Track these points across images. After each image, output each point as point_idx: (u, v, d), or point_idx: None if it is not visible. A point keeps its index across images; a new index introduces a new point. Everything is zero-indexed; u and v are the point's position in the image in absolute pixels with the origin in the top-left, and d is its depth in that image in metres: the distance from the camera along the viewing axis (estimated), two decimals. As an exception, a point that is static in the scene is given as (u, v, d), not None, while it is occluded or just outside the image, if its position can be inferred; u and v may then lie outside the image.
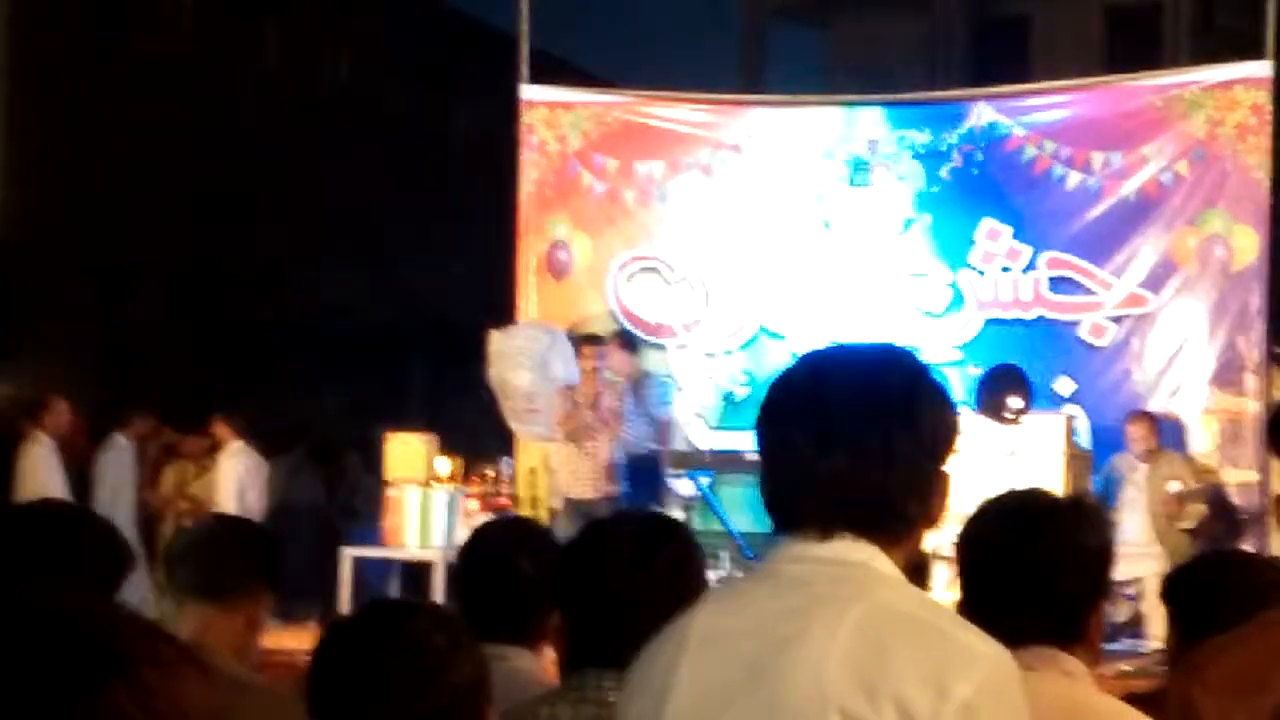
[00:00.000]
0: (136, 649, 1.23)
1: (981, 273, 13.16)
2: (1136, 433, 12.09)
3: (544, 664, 3.53)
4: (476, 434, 13.48)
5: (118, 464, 13.82)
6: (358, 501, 15.32)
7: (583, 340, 12.77)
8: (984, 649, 2.19)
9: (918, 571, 2.95)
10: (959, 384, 12.19)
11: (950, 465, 2.36)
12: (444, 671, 2.53)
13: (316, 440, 15.04)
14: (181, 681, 1.24)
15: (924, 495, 2.32)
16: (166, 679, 1.23)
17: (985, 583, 3.00)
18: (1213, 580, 3.47)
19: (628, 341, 13.12)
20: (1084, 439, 12.35)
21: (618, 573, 3.08)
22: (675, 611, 2.48)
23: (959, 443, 2.38)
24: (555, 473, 12.88)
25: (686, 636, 2.34)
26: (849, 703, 2.12)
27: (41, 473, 12.73)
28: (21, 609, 1.25)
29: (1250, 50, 12.87)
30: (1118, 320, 12.80)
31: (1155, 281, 12.73)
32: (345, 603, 12.18)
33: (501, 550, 3.74)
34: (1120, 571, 11.86)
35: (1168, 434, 12.32)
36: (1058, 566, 2.95)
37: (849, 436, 2.27)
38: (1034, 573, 2.95)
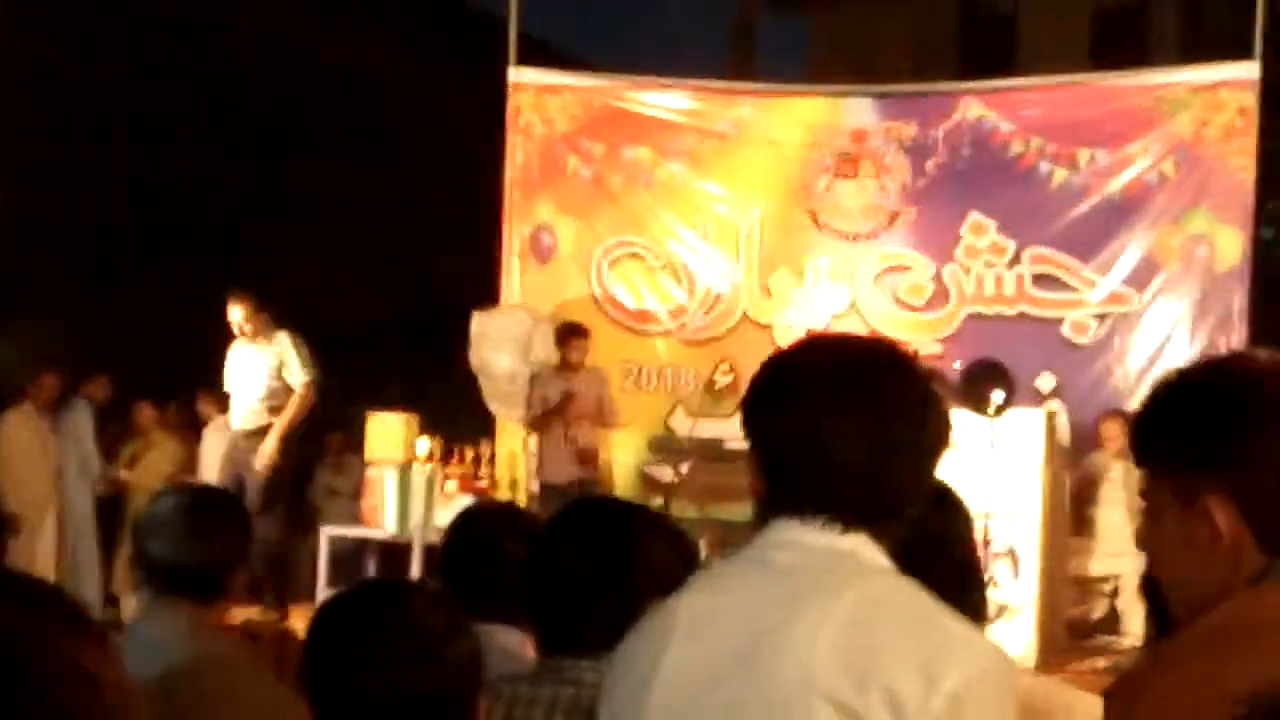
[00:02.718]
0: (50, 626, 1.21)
1: (966, 267, 13.18)
2: (1110, 431, 12.12)
3: (528, 641, 3.55)
4: (458, 415, 13.47)
5: (76, 425, 13.71)
6: (340, 482, 15.35)
7: (566, 330, 12.77)
8: (972, 639, 2.21)
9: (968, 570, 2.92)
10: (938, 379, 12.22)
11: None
12: (441, 652, 2.52)
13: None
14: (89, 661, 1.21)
15: (922, 490, 2.34)
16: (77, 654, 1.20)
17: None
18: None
19: None
20: (1065, 435, 12.38)
21: (576, 559, 3.09)
22: (639, 596, 2.49)
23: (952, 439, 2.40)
24: (534, 455, 12.91)
25: (673, 621, 2.35)
26: (837, 691, 2.13)
27: (23, 442, 12.73)
28: None
29: (1238, 52, 12.89)
30: (1100, 318, 12.83)
31: (1138, 280, 12.76)
32: (322, 582, 12.19)
33: (491, 532, 3.76)
34: (1098, 568, 11.92)
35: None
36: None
37: (872, 431, 2.28)
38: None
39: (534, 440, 12.96)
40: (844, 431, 2.28)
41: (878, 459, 2.28)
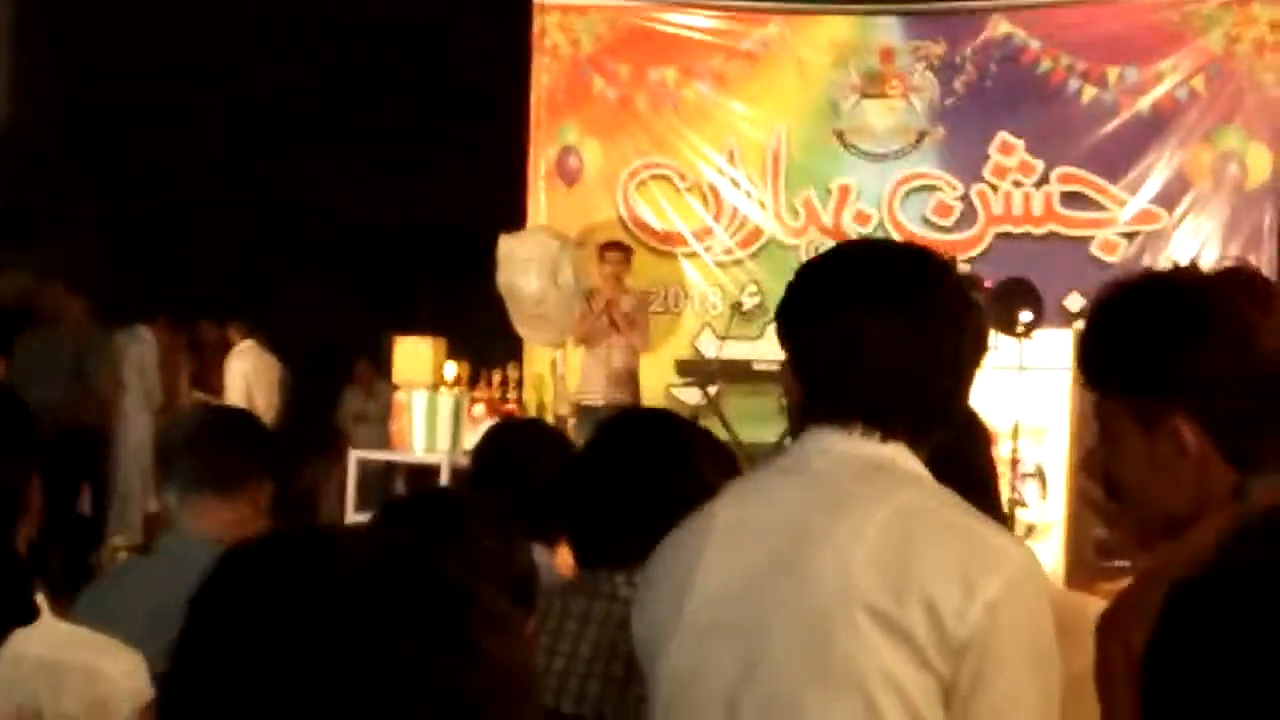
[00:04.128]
0: (488, 620, 1.22)
1: (994, 186, 13.12)
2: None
3: (556, 558, 3.55)
4: (485, 339, 13.47)
5: (141, 356, 13.72)
6: (369, 406, 15.40)
7: (605, 246, 12.80)
8: (1010, 548, 2.21)
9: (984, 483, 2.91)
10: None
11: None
12: (495, 568, 2.49)
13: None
14: (509, 647, 1.22)
15: (961, 399, 2.33)
16: (503, 644, 1.21)
17: None
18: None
19: None
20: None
21: (619, 471, 3.07)
22: (681, 508, 2.48)
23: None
24: (563, 378, 12.93)
25: (711, 526, 2.34)
26: (876, 599, 2.14)
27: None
28: (414, 559, 1.24)
29: (1271, -35, 12.76)
30: (1129, 237, 12.76)
31: (1168, 198, 12.68)
32: (350, 505, 12.25)
33: (519, 449, 3.76)
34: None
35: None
36: None
37: (922, 337, 2.27)
38: None
39: (562, 363, 12.99)
40: (884, 337, 2.27)
41: (918, 366, 2.28)
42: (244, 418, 4.14)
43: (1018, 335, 11.12)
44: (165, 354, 14.16)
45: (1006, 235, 13.06)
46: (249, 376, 13.85)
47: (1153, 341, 2.19)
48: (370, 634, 1.17)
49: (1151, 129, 12.72)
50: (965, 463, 2.74)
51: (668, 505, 2.79)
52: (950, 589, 2.12)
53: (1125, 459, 2.24)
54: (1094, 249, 12.82)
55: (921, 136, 13.33)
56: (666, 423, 3.30)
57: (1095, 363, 2.27)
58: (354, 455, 12.76)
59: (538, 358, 13.52)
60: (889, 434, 2.28)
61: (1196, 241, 12.54)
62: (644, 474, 3.04)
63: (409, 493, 12.29)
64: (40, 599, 2.29)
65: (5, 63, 17.87)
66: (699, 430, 3.35)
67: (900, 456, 2.29)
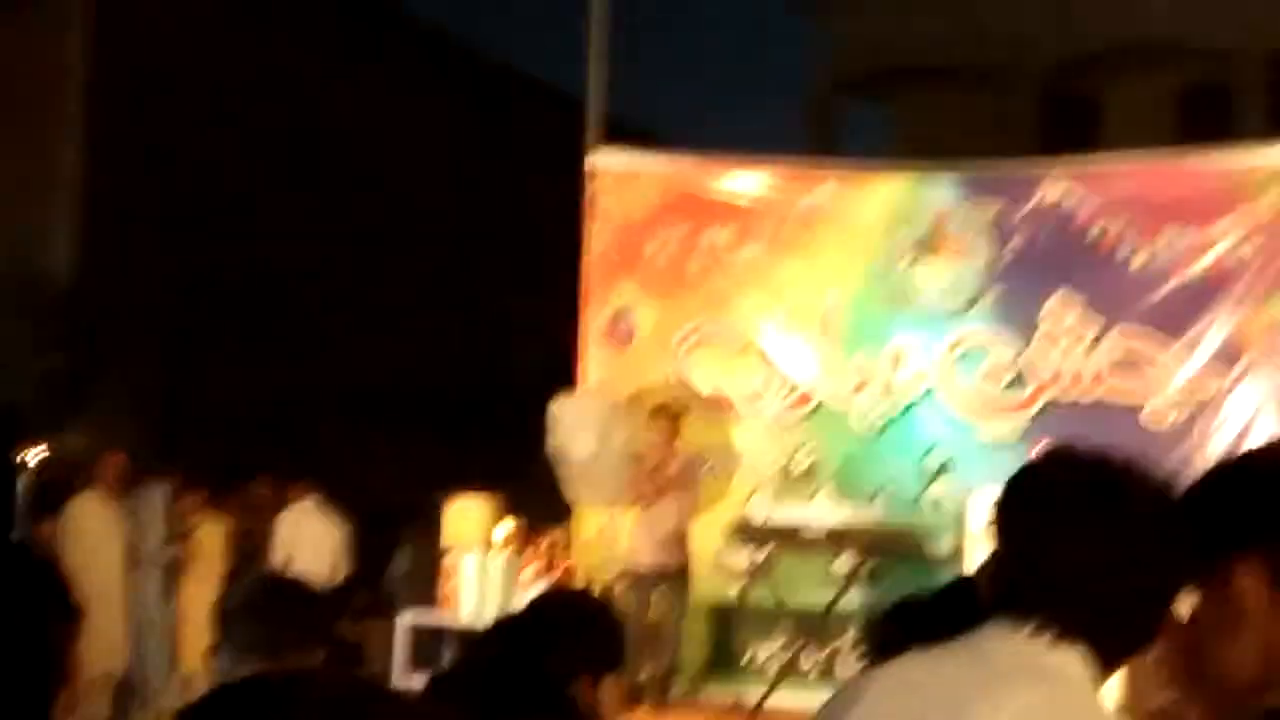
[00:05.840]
0: None
1: (1046, 351, 13.04)
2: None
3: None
4: (539, 497, 13.46)
5: (151, 511, 13.78)
6: (420, 568, 15.39)
7: (657, 408, 12.80)
8: None
9: None
10: (1016, 465, 12.04)
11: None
12: None
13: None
14: None
15: (1148, 612, 2.36)
16: None
17: None
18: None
19: None
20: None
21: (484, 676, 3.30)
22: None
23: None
24: (615, 541, 12.88)
25: (872, 680, 2.50)
26: None
27: (90, 529, 12.80)
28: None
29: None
30: (1181, 404, 12.61)
31: (1221, 365, 12.55)
32: (399, 669, 12.18)
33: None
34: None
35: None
36: None
37: (1094, 551, 2.35)
38: None
39: (612, 526, 12.95)
40: (1060, 548, 2.37)
41: (1089, 577, 2.35)
42: (296, 586, 4.25)
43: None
44: (181, 504, 14.23)
45: (1055, 402, 12.94)
46: (296, 535, 13.87)
47: (1228, 501, 2.24)
48: None
49: (1204, 294, 12.63)
50: None
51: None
52: None
53: (1201, 621, 2.24)
54: (1144, 417, 12.68)
55: (975, 297, 13.28)
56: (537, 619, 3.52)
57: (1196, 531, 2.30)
58: (403, 618, 12.72)
59: (589, 520, 13.47)
60: (1062, 637, 2.35)
61: (1250, 409, 12.41)
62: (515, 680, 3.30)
63: (456, 658, 12.28)
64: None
65: (73, 231, 18.13)
66: (572, 620, 3.51)
67: (1066, 660, 2.34)
